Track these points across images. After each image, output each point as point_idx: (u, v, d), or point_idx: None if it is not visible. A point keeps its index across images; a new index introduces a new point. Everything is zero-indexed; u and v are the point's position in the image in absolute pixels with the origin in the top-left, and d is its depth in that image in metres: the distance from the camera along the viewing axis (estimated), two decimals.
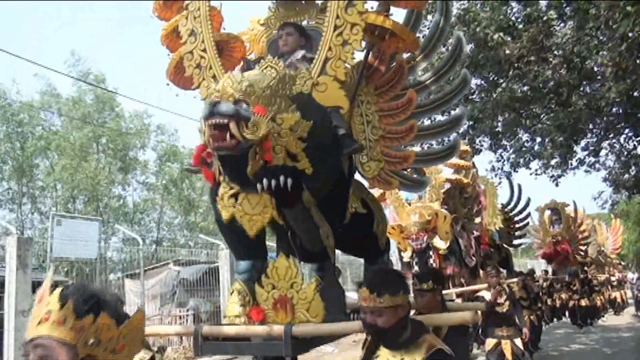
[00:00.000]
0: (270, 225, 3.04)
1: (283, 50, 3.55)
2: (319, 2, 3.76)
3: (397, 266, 9.25)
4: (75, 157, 23.75)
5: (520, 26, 10.41)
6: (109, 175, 25.37)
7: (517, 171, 13.33)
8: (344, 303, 3.51)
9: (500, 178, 12.77)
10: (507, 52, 10.07)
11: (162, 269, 16.34)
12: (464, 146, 8.90)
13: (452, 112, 6.13)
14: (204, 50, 3.39)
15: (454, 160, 8.45)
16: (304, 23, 3.75)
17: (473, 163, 9.49)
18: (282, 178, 2.58)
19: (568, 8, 9.13)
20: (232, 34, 3.67)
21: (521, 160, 13.39)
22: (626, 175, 15.11)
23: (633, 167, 14.00)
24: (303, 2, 3.77)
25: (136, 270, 14.69)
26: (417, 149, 4.08)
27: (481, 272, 8.53)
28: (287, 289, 3.02)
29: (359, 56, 3.44)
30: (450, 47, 3.78)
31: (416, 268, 7.67)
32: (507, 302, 7.23)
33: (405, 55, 3.69)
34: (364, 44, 3.29)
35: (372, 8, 3.26)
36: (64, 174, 23.61)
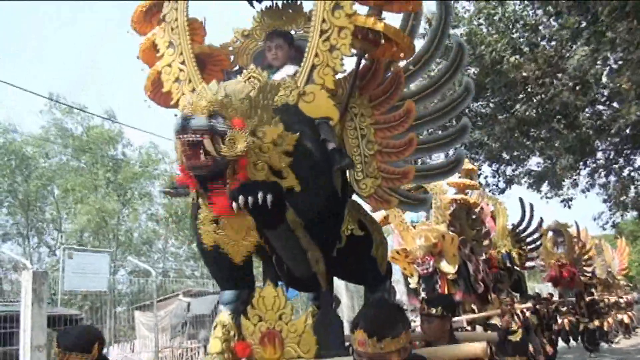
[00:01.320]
0: (256, 249, 2.75)
1: (273, 64, 3.30)
2: (307, 10, 3.51)
3: (402, 293, 8.88)
4: (82, 191, 23.70)
5: (527, 49, 10.34)
6: (116, 207, 25.23)
7: (510, 188, 13.45)
8: (342, 335, 3.18)
9: (493, 193, 12.76)
10: (525, 74, 10.06)
11: (172, 301, 16.08)
12: (470, 165, 8.57)
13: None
14: (183, 63, 3.16)
15: (460, 180, 8.14)
16: (292, 33, 3.51)
17: (480, 183, 9.15)
18: (260, 194, 2.29)
19: (585, 31, 9.06)
20: (214, 46, 3.44)
21: (527, 180, 13.33)
22: (630, 195, 15.01)
23: (633, 186, 13.98)
24: (290, 10, 3.53)
25: (146, 302, 14.45)
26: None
27: (493, 296, 8.11)
28: (276, 321, 2.73)
29: (351, 65, 3.18)
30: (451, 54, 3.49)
31: (423, 294, 7.28)
32: (520, 330, 6.83)
33: (402, 64, 3.44)
34: (355, 51, 3.04)
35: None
36: (71, 207, 23.56)
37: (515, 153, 12.88)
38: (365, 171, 3.16)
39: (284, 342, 2.67)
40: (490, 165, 13.18)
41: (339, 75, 3.11)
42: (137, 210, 26.96)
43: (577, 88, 10.29)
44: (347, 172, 3.17)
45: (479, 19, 10.66)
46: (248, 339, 2.75)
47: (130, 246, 26.26)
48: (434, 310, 3.57)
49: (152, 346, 11.94)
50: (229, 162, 2.39)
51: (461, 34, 10.27)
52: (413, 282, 7.60)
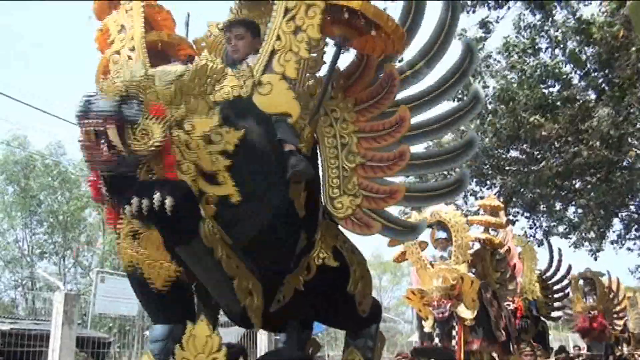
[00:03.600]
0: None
1: (233, 57, 2.77)
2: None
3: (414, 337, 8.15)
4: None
5: (559, 103, 10.30)
6: None
7: (548, 240, 13.03)
8: None
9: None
10: (544, 133, 10.21)
11: None
12: (495, 201, 7.87)
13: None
14: (133, 50, 2.67)
15: (485, 217, 7.44)
16: (270, 25, 2.99)
17: (508, 220, 8.39)
18: (157, 196, 1.74)
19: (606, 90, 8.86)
20: (176, 35, 2.96)
21: (559, 229, 13.55)
22: None
23: None
24: (270, 0, 3.02)
25: None
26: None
27: (515, 347, 7.28)
28: None
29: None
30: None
31: (437, 340, 6.54)
32: None
33: (400, 64, 2.89)
34: (331, 40, 2.51)
35: None
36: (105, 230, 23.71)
37: (551, 202, 12.86)
38: (343, 187, 2.59)
39: None
40: (527, 218, 13.23)
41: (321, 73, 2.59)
42: None
43: (604, 146, 10.11)
44: (322, 185, 2.60)
45: (511, 73, 10.62)
46: None
47: None
48: None
49: None
50: (140, 159, 1.86)
51: (493, 87, 10.44)
52: (427, 325, 6.84)
